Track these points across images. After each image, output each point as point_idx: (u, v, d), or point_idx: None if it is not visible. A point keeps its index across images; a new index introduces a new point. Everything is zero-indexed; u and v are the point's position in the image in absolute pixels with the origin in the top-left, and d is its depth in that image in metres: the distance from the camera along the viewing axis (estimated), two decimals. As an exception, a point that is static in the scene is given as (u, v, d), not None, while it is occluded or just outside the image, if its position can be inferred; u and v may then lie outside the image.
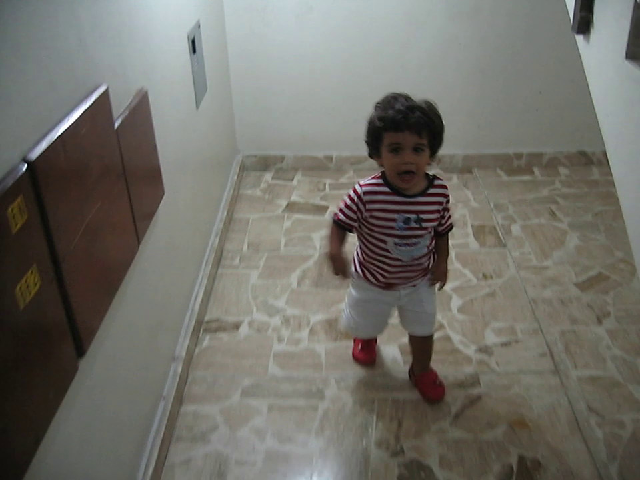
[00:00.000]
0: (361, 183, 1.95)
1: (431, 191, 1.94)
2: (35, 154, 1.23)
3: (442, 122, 1.86)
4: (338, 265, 1.99)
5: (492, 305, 2.68)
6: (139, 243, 1.85)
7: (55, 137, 1.31)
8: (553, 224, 3.24)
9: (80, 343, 1.43)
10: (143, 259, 1.90)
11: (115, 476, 1.73)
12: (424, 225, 1.93)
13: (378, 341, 2.47)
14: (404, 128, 1.78)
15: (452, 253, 2.94)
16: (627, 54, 1.76)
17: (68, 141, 1.36)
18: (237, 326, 2.59)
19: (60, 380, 1.34)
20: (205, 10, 2.99)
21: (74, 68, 1.47)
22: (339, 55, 3.58)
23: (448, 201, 1.99)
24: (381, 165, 1.91)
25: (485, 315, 2.62)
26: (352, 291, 2.18)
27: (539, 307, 2.64)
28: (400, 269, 2.01)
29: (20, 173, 1.17)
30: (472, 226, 3.24)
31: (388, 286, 2.06)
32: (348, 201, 1.95)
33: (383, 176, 1.92)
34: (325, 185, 3.69)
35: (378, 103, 1.90)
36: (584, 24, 2.07)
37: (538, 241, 3.10)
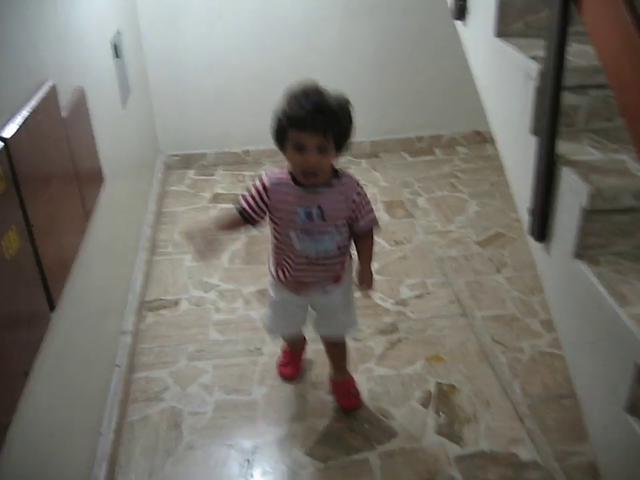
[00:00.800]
0: (267, 172, 1.92)
1: (335, 183, 1.87)
2: (8, 133, 1.46)
3: (351, 119, 1.82)
4: (197, 240, 1.86)
5: (404, 266, 3.01)
6: (87, 219, 2.08)
7: (20, 121, 1.54)
8: (455, 195, 3.62)
9: (51, 299, 1.65)
10: (90, 235, 2.12)
11: (86, 429, 1.95)
12: (327, 218, 1.87)
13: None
14: (309, 128, 1.73)
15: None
16: (495, 32, 2.12)
17: (30, 124, 1.59)
18: (176, 303, 2.82)
19: (38, 325, 1.57)
20: (123, 19, 3.22)
21: (26, 63, 1.70)
22: (249, 56, 3.87)
23: (361, 196, 1.90)
24: (288, 160, 1.85)
25: (399, 274, 2.94)
26: (269, 290, 2.15)
27: (446, 264, 2.99)
28: (306, 266, 1.96)
29: (-2, 148, 1.40)
30: (382, 202, 3.57)
31: (298, 287, 2.02)
32: (253, 191, 1.91)
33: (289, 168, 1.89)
34: (244, 177, 3.96)
35: (288, 95, 1.83)
36: (461, 11, 2.41)
37: (442, 210, 3.46)
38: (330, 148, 1.77)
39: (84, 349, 2.00)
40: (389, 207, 3.53)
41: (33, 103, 1.66)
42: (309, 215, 1.86)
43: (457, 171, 3.89)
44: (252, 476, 2.02)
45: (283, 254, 1.98)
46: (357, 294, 2.10)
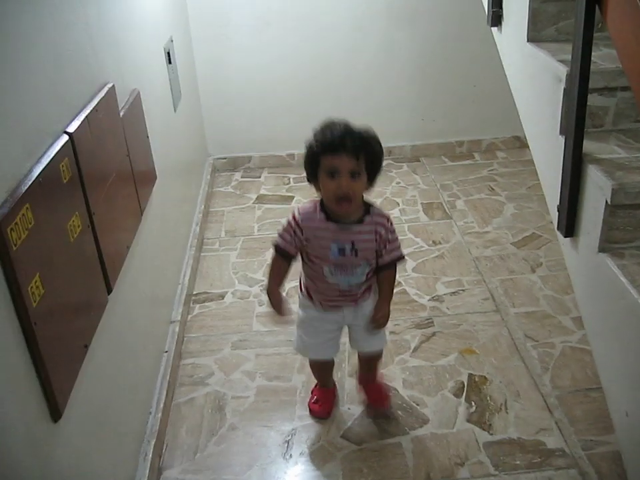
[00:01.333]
0: (300, 207, 1.95)
1: (367, 219, 1.90)
2: (72, 127, 1.62)
3: (381, 147, 1.85)
4: (274, 301, 1.95)
5: (441, 264, 3.11)
6: (141, 213, 2.24)
7: (83, 117, 1.70)
8: (492, 197, 3.71)
9: (108, 283, 1.80)
10: (144, 229, 2.28)
11: (137, 407, 2.10)
12: (360, 254, 1.91)
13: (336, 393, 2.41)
14: (341, 151, 1.76)
15: (404, 227, 3.39)
16: (527, 38, 2.22)
17: (92, 120, 1.75)
18: (222, 296, 2.97)
19: (97, 305, 1.72)
20: (176, 27, 3.40)
21: (89, 66, 1.86)
22: (294, 63, 4.02)
23: (389, 232, 1.93)
24: (319, 191, 1.87)
25: (436, 272, 3.05)
26: (299, 310, 2.15)
27: (482, 263, 3.08)
28: (338, 295, 2.00)
29: (64, 141, 1.55)
30: (421, 203, 3.68)
31: (330, 308, 2.06)
32: (286, 226, 1.94)
33: (321, 202, 1.90)
34: (289, 179, 4.10)
35: (316, 129, 1.85)
36: (496, 18, 2.52)
37: (479, 212, 3.55)
38: (362, 173, 1.80)
39: (136, 333, 2.15)
40: (428, 208, 3.63)
41: (95, 102, 1.81)
42: (341, 251, 1.89)
43: (495, 175, 3.98)
44: (290, 456, 2.14)
45: (314, 284, 2.02)
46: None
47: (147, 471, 1.99)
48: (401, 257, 2.00)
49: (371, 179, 1.86)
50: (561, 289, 2.83)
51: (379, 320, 2.00)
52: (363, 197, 1.89)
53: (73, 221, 1.56)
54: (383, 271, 2.00)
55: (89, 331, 1.63)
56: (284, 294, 2.02)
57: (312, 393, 2.37)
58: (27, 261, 1.27)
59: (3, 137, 1.27)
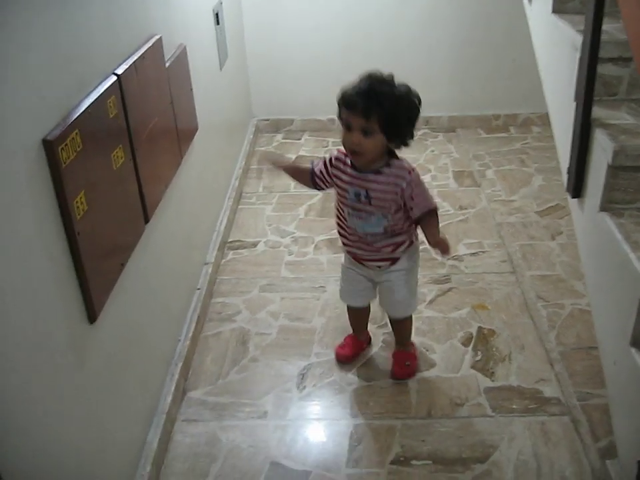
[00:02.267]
0: (337, 150, 2.09)
1: (385, 170, 1.98)
2: (120, 70, 1.80)
3: (403, 111, 1.89)
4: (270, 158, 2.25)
5: (464, 228, 3.25)
6: (181, 157, 2.43)
7: (131, 62, 1.89)
8: (522, 169, 3.82)
9: (146, 213, 2.00)
10: (183, 173, 2.47)
11: (167, 332, 2.31)
12: (373, 202, 2.00)
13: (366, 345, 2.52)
14: (353, 109, 1.86)
15: (434, 192, 3.52)
16: (552, 9, 2.33)
17: (139, 66, 1.93)
18: (254, 244, 3.17)
19: (135, 231, 1.91)
20: (226, -12, 3.57)
21: (138, 18, 2.04)
22: (340, 28, 4.16)
23: (413, 185, 1.99)
24: None
25: (459, 235, 3.19)
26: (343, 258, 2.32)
27: (504, 229, 3.21)
28: (357, 242, 2.13)
29: (113, 81, 1.74)
30: (452, 171, 3.82)
31: (355, 258, 2.20)
32: (324, 159, 2.14)
33: None
34: (328, 142, 4.27)
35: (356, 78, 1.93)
36: (528, -10, 2.63)
37: (507, 182, 3.67)
38: (374, 131, 1.87)
39: (170, 267, 2.35)
40: (458, 176, 3.77)
41: (142, 50, 2.00)
42: (357, 196, 2.02)
43: (527, 148, 4.08)
44: (304, 387, 2.33)
45: (341, 224, 2.16)
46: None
47: (172, 389, 2.20)
48: (432, 209, 2.05)
49: (391, 138, 1.92)
50: (577, 257, 2.92)
51: (437, 246, 2.05)
52: (382, 151, 1.96)
53: (117, 152, 1.75)
54: (422, 223, 2.08)
55: (126, 252, 1.83)
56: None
57: (345, 338, 2.50)
58: (73, 178, 1.47)
59: (58, 71, 1.46)
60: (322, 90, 4.31)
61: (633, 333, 1.65)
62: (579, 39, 1.98)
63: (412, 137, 1.99)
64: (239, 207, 3.50)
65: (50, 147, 1.37)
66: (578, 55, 1.98)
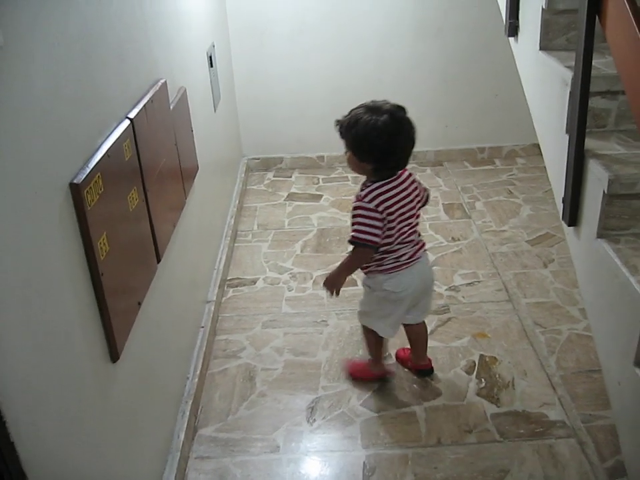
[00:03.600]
0: None
1: (359, 194, 2.17)
2: (133, 114, 1.86)
3: (358, 135, 2.08)
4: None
5: (459, 259, 3.32)
6: (185, 197, 2.48)
7: (141, 106, 1.95)
8: (510, 200, 3.92)
9: (157, 252, 2.04)
10: (187, 213, 2.52)
11: (176, 370, 2.33)
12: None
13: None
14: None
15: (426, 225, 3.61)
16: (540, 46, 2.43)
17: (148, 109, 1.99)
18: (253, 281, 3.21)
19: (149, 270, 1.96)
20: (217, 33, 3.66)
21: (146, 63, 2.11)
22: (327, 70, 4.27)
23: (354, 210, 2.15)
24: None
25: (454, 265, 3.26)
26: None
27: (497, 258, 3.28)
28: None
29: (127, 125, 1.80)
30: (442, 204, 3.91)
31: None
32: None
33: None
34: (319, 179, 4.35)
35: None
36: (513, 29, 2.73)
37: (497, 213, 3.76)
38: (348, 150, 2.17)
39: (178, 305, 2.39)
40: (448, 208, 3.85)
41: (150, 94, 2.06)
42: None
43: (514, 179, 4.19)
44: (314, 420, 2.36)
45: None
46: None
47: (185, 427, 2.22)
48: (350, 240, 2.19)
49: (360, 158, 2.13)
50: (571, 283, 3.02)
51: (325, 281, 2.33)
52: (360, 170, 2.21)
53: (132, 194, 1.80)
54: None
55: (142, 292, 1.87)
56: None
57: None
58: (97, 220, 1.51)
59: (81, 118, 1.51)
60: (310, 128, 4.42)
61: (637, 354, 1.71)
62: (568, 74, 2.07)
63: (385, 165, 2.14)
64: (236, 244, 3.55)
65: (77, 190, 1.42)
66: (568, 90, 2.07)
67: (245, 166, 4.43)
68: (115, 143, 1.67)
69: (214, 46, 3.45)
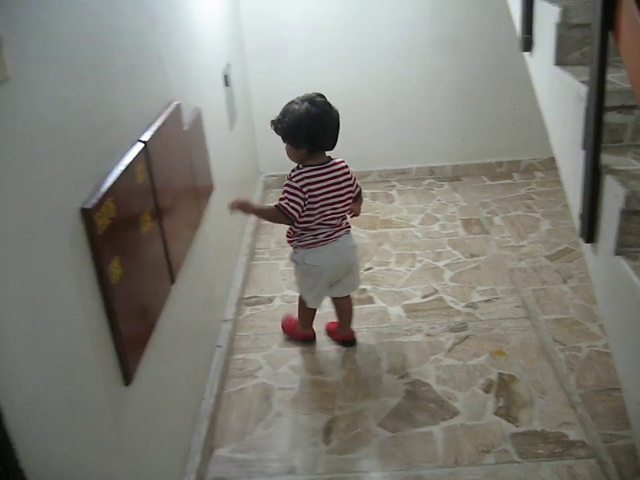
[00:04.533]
0: None
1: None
2: (146, 137, 1.87)
3: (286, 121, 2.49)
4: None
5: (477, 275, 3.29)
6: (200, 217, 2.49)
7: (155, 129, 1.96)
8: (529, 214, 3.88)
9: (171, 274, 2.05)
10: (202, 233, 2.52)
11: (192, 391, 2.33)
12: None
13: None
14: None
15: (444, 240, 3.60)
16: (555, 61, 2.41)
17: (162, 132, 2.01)
18: (270, 300, 3.21)
19: (163, 292, 1.96)
20: (233, 53, 3.68)
21: (159, 86, 2.12)
22: (343, 86, 4.26)
23: (284, 186, 2.53)
24: None
25: (472, 282, 3.23)
26: None
27: (516, 274, 3.25)
28: None
29: (140, 148, 1.81)
30: (460, 219, 3.89)
31: None
32: None
33: None
34: (336, 196, 4.33)
35: None
36: (527, 43, 2.72)
37: (516, 228, 3.73)
38: (285, 141, 2.52)
39: (194, 325, 2.39)
40: (467, 224, 3.83)
41: (164, 116, 2.08)
42: None
43: (532, 194, 4.16)
44: (330, 440, 2.34)
45: None
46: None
47: (201, 447, 2.22)
48: (276, 205, 2.50)
49: (295, 146, 2.50)
50: (590, 299, 2.98)
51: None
52: (297, 158, 2.54)
53: (145, 217, 1.81)
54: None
55: (156, 314, 1.88)
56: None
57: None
58: (109, 244, 1.52)
59: (93, 142, 1.52)
60: (327, 145, 4.42)
61: (657, 374, 1.68)
62: (583, 89, 2.05)
63: (313, 145, 2.48)
64: (253, 262, 3.55)
65: (88, 215, 1.43)
66: (583, 105, 2.05)
67: (263, 183, 4.44)
68: (127, 166, 1.68)
69: (229, 65, 3.47)
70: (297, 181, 2.46)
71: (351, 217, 2.73)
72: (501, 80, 4.25)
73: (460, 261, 3.44)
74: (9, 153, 1.14)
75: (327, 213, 2.51)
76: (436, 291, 3.17)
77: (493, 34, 4.11)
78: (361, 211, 2.81)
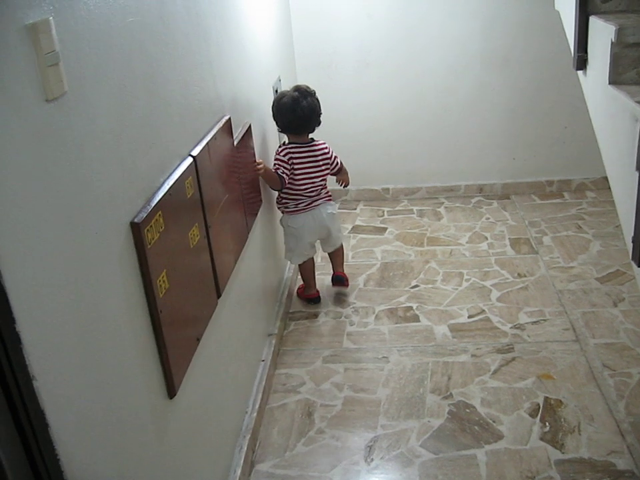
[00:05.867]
0: None
1: None
2: (196, 151, 1.89)
3: (272, 109, 3.05)
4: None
5: (525, 296, 3.24)
6: (248, 232, 2.50)
7: (205, 143, 1.98)
8: (579, 235, 3.81)
9: (218, 288, 2.06)
10: (249, 247, 2.54)
11: (235, 405, 2.34)
12: None
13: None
14: None
15: (491, 259, 3.55)
16: (609, 80, 2.37)
17: (211, 146, 2.03)
18: (316, 315, 3.21)
19: (209, 305, 1.97)
20: (284, 67, 3.71)
21: (210, 101, 2.14)
22: (392, 102, 4.27)
23: (274, 160, 3.06)
24: None
25: (519, 303, 3.18)
26: None
27: (565, 296, 3.19)
28: None
29: (189, 162, 1.83)
30: (509, 238, 3.83)
31: None
32: None
33: None
34: (383, 212, 4.33)
35: None
36: (581, 62, 2.68)
37: (565, 248, 3.66)
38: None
39: (238, 338, 2.40)
40: (515, 243, 3.77)
41: (214, 131, 2.10)
42: None
43: (583, 214, 4.08)
44: (371, 459, 2.33)
45: None
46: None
47: (242, 462, 2.22)
48: (274, 170, 3.01)
49: (281, 129, 3.13)
50: (642, 324, 2.91)
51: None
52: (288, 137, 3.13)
53: (193, 231, 1.82)
54: None
55: (201, 327, 1.89)
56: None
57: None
58: (157, 258, 1.54)
59: (144, 157, 1.55)
60: (375, 160, 4.43)
61: None
62: (638, 110, 2.01)
63: (293, 129, 3.08)
64: (298, 277, 3.55)
65: (137, 229, 1.45)
66: (639, 126, 2.01)
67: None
68: (177, 180, 1.70)
69: (280, 80, 3.49)
70: (283, 155, 3.03)
71: (343, 187, 3.56)
72: (553, 97, 4.20)
73: (508, 280, 3.39)
74: (64, 167, 1.17)
75: (307, 186, 3.11)
76: (483, 311, 3.13)
77: (544, 51, 4.06)
78: (349, 180, 3.55)
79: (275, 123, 3.07)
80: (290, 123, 3.03)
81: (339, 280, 3.39)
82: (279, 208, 3.19)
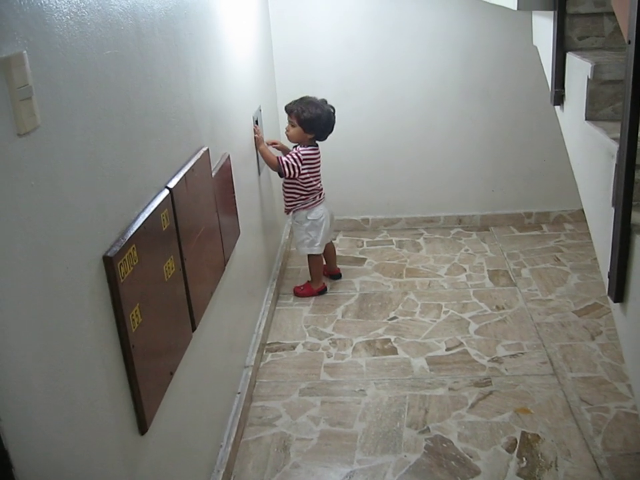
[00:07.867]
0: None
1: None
2: (172, 184, 1.88)
3: (309, 112, 3.42)
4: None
5: (503, 329, 3.24)
6: (225, 264, 2.48)
7: (182, 175, 1.97)
8: (557, 267, 3.83)
9: (193, 320, 2.04)
10: (226, 279, 2.52)
11: (209, 438, 2.30)
12: None
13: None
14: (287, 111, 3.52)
15: (470, 291, 3.55)
16: (585, 116, 2.39)
17: (188, 178, 2.01)
18: (293, 347, 3.18)
19: (183, 338, 1.95)
20: (265, 97, 3.72)
21: (188, 132, 2.14)
22: (372, 132, 4.29)
23: (292, 154, 3.49)
24: None
25: (497, 335, 3.18)
26: None
27: (542, 329, 3.19)
28: None
29: (165, 195, 1.81)
30: (487, 270, 3.84)
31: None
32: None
33: None
34: (363, 242, 4.33)
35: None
36: (559, 97, 2.71)
37: (544, 281, 3.67)
38: (294, 124, 3.46)
39: (214, 371, 2.37)
40: (494, 275, 3.78)
41: (192, 163, 2.09)
42: None
43: (561, 246, 4.11)
44: (348, 495, 2.30)
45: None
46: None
47: (216, 498, 2.18)
48: (283, 159, 3.50)
49: (307, 130, 3.47)
50: (619, 357, 2.91)
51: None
52: (299, 139, 3.52)
53: (169, 263, 1.81)
54: None
55: (175, 360, 1.86)
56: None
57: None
58: (130, 292, 1.52)
59: (119, 190, 1.53)
60: (354, 190, 4.44)
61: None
62: (614, 146, 2.03)
63: (320, 135, 3.55)
64: (277, 308, 3.54)
65: (110, 263, 1.43)
66: (614, 162, 2.02)
67: (290, 228, 4.44)
68: (152, 213, 1.68)
69: (260, 110, 3.50)
70: (303, 154, 3.46)
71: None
72: (532, 130, 4.24)
73: (486, 313, 3.39)
74: (35, 202, 1.15)
75: (319, 180, 3.61)
76: (461, 344, 3.12)
77: (524, 84, 4.12)
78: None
79: (303, 126, 3.45)
80: (323, 132, 3.53)
81: (337, 276, 3.88)
82: (294, 209, 3.63)
